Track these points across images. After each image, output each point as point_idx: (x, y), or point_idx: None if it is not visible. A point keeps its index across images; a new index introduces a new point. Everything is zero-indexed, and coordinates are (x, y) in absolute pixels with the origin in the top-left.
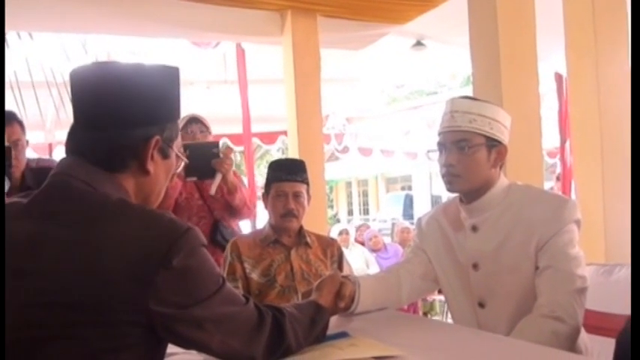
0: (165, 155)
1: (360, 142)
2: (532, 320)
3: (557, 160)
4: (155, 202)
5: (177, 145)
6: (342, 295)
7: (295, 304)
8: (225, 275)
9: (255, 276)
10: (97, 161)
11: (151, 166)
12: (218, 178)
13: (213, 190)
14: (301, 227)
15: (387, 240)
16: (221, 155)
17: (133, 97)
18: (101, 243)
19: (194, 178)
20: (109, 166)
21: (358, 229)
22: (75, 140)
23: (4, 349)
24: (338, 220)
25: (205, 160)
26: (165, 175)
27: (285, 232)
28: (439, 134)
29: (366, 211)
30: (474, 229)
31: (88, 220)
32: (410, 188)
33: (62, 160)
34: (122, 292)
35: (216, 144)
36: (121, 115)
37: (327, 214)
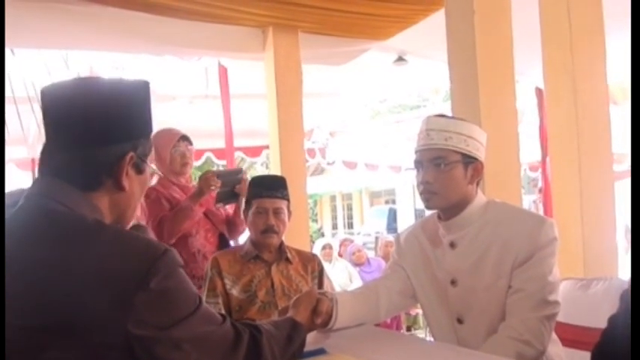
0: (139, 170)
1: (344, 156)
2: (500, 340)
3: (539, 174)
4: (131, 218)
5: (150, 159)
6: (319, 312)
7: (272, 320)
8: (205, 291)
9: (235, 292)
10: (72, 181)
11: (126, 183)
12: (241, 201)
13: (242, 215)
14: (282, 243)
15: (372, 254)
16: (244, 179)
17: (105, 114)
18: (78, 266)
19: (221, 204)
20: (84, 185)
21: (341, 243)
22: (49, 160)
23: (3, 352)
24: (322, 234)
25: (230, 186)
26: (141, 190)
27: (266, 248)
28: (416, 152)
29: (351, 225)
30: (452, 245)
31: (65, 243)
32: (394, 202)
33: (37, 181)
34: (100, 314)
35: (240, 170)
36: (95, 133)
37: (311, 228)
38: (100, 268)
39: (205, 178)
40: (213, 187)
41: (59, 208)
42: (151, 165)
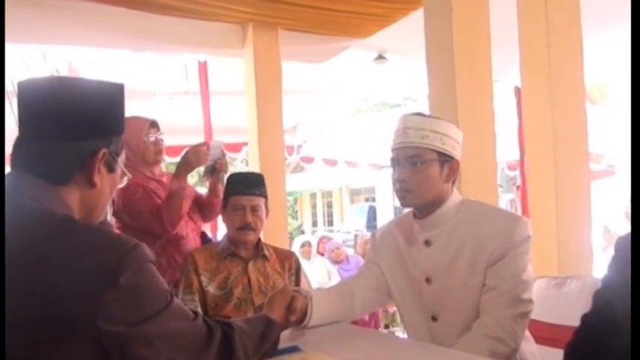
0: (110, 169)
1: (325, 154)
2: (474, 338)
3: (517, 173)
4: (99, 216)
5: (122, 160)
6: (294, 309)
7: (246, 318)
8: (182, 288)
9: (211, 289)
10: (43, 174)
11: (97, 179)
12: (222, 177)
13: (220, 193)
14: (259, 240)
15: (351, 251)
16: (224, 154)
17: (80, 109)
18: (47, 262)
19: (204, 179)
20: (54, 178)
21: (320, 241)
22: (20, 153)
23: (4, 352)
24: (302, 232)
25: (213, 160)
26: (110, 189)
27: (243, 245)
28: (392, 150)
29: (331, 223)
30: (427, 243)
31: (34, 239)
32: (374, 200)
33: (7, 176)
34: (70, 311)
35: (220, 143)
36: (69, 126)
37: (291, 225)
38: (70, 265)
39: (196, 152)
40: (203, 162)
41: (29, 203)
42: (122, 166)
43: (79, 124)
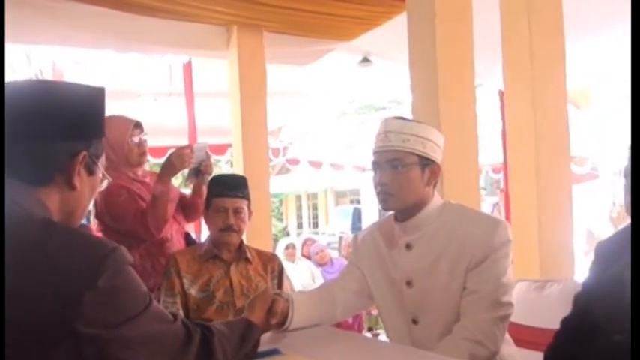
0: (91, 172)
1: (310, 156)
2: (454, 341)
3: (501, 176)
4: (80, 219)
5: (102, 163)
6: (274, 312)
7: (226, 321)
8: (164, 290)
9: (193, 291)
10: (22, 175)
11: (77, 182)
12: (206, 179)
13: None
14: (241, 242)
15: (336, 254)
16: (209, 156)
17: (61, 111)
18: (26, 264)
19: (188, 182)
20: (33, 179)
21: (304, 243)
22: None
23: (3, 351)
24: (287, 233)
25: (197, 163)
26: (91, 192)
27: (225, 247)
28: (374, 154)
29: (316, 225)
30: (408, 246)
31: (13, 242)
32: (359, 202)
33: None
34: (49, 313)
35: (205, 145)
36: (50, 128)
37: (276, 227)
38: (49, 267)
39: (180, 155)
40: (187, 165)
41: (8, 206)
42: (102, 169)
43: (59, 126)
